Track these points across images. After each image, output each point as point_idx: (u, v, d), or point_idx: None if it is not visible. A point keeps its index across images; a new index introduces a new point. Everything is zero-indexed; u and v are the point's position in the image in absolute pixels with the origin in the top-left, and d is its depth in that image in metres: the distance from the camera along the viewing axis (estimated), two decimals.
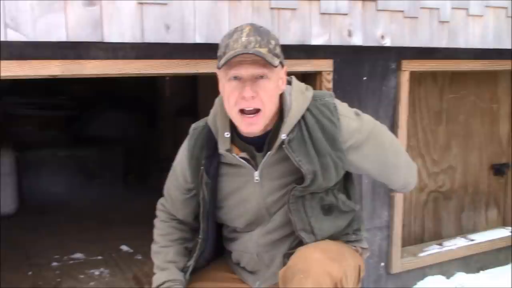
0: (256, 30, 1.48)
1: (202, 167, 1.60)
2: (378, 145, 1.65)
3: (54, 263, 3.30)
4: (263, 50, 1.43)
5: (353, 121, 1.60)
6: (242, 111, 1.47)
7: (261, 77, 1.45)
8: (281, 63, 1.51)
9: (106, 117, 5.67)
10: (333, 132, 1.55)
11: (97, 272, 3.18)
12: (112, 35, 1.87)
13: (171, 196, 1.78)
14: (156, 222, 1.82)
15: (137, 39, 1.92)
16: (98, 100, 5.78)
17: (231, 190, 1.63)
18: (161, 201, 1.84)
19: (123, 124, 5.66)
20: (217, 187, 1.63)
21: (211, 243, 1.71)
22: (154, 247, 1.78)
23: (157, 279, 1.71)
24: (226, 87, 1.49)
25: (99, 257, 3.40)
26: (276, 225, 1.62)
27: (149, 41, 1.94)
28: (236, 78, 1.46)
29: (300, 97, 1.56)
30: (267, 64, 1.43)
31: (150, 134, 5.60)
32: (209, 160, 1.60)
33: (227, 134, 1.55)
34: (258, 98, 1.45)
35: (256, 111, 1.47)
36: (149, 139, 5.56)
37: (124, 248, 3.55)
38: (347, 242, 1.69)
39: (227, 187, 1.63)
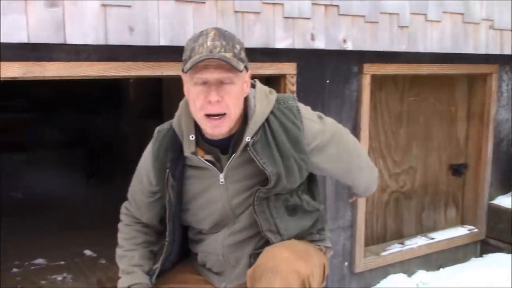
0: (221, 34, 1.49)
1: (167, 170, 1.60)
2: (341, 147, 1.69)
3: (15, 269, 3.23)
4: (228, 55, 1.45)
5: (316, 124, 1.63)
6: (207, 115, 1.49)
7: (227, 81, 1.47)
8: (245, 67, 1.53)
9: (68, 119, 5.57)
10: (297, 135, 1.58)
11: (59, 278, 3.12)
12: (75, 37, 1.85)
13: (135, 199, 1.77)
14: (120, 226, 1.81)
15: (101, 41, 1.90)
16: (60, 102, 5.68)
17: (197, 192, 1.64)
18: (125, 204, 1.83)
19: (86, 126, 5.57)
20: (183, 190, 1.63)
21: (177, 246, 1.71)
22: (118, 251, 1.77)
23: (122, 283, 1.69)
24: (192, 91, 1.49)
25: (62, 262, 3.35)
26: (242, 226, 1.64)
27: (112, 43, 1.93)
28: (201, 82, 1.47)
29: (264, 100, 1.58)
30: (232, 68, 1.45)
31: (114, 136, 5.53)
32: (175, 163, 1.60)
33: (192, 137, 1.56)
34: (224, 103, 1.47)
35: (222, 115, 1.49)
36: (113, 142, 5.49)
37: (88, 252, 3.50)
38: (312, 241, 1.72)
39: (193, 189, 1.63)
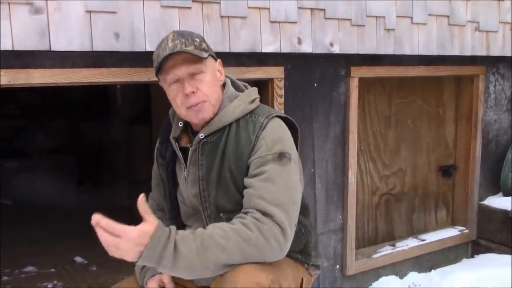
0: (179, 34, 1.57)
1: (156, 150, 1.71)
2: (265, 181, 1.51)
3: (5, 277, 3.20)
4: (189, 48, 1.53)
5: (265, 148, 1.53)
6: (189, 107, 1.56)
7: (196, 72, 1.54)
8: (212, 56, 1.61)
9: (57, 125, 5.55)
10: (244, 147, 1.54)
11: (50, 285, 3.10)
12: (60, 44, 1.85)
13: (153, 181, 1.86)
14: None
15: (86, 48, 1.90)
16: (49, 108, 5.66)
17: (177, 180, 1.72)
18: (150, 194, 1.89)
19: (75, 133, 5.55)
20: (175, 171, 1.70)
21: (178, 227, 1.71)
22: None
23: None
24: (169, 92, 1.59)
25: (52, 270, 3.32)
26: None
27: (98, 50, 1.93)
28: (174, 80, 1.56)
29: (240, 107, 1.60)
30: (197, 59, 1.53)
31: (104, 142, 5.50)
32: (164, 145, 1.70)
33: (181, 124, 1.66)
34: (199, 92, 1.55)
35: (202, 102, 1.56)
36: (102, 148, 5.47)
37: (78, 259, 3.48)
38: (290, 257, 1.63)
39: (179, 174, 1.71)
